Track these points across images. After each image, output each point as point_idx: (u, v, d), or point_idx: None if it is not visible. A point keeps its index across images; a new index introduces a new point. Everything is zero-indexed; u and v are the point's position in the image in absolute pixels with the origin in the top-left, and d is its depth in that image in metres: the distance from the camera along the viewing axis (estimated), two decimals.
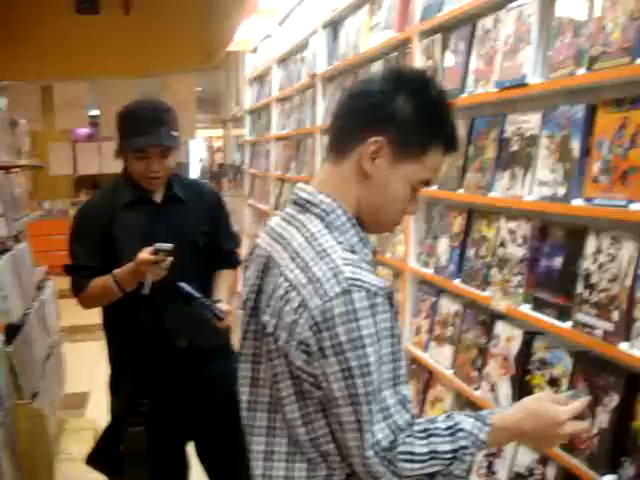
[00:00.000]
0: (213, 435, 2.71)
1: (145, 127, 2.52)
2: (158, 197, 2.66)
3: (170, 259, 2.46)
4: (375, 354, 1.36)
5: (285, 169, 5.64)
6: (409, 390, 1.45)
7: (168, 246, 2.44)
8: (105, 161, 9.98)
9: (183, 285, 2.56)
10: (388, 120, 1.46)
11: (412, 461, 1.39)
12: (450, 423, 1.44)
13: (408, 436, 1.39)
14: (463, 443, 1.41)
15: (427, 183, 1.54)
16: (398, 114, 1.46)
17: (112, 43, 9.45)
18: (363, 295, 1.35)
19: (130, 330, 2.61)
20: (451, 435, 1.42)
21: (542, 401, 1.49)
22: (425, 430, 1.42)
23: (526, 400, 1.51)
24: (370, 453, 1.36)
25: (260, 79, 7.12)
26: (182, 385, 2.64)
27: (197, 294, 2.58)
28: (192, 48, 9.85)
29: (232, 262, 2.92)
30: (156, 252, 2.43)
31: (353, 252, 1.45)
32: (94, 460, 2.76)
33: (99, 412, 4.10)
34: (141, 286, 2.48)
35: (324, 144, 4.52)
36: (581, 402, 1.48)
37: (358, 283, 1.36)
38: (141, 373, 2.61)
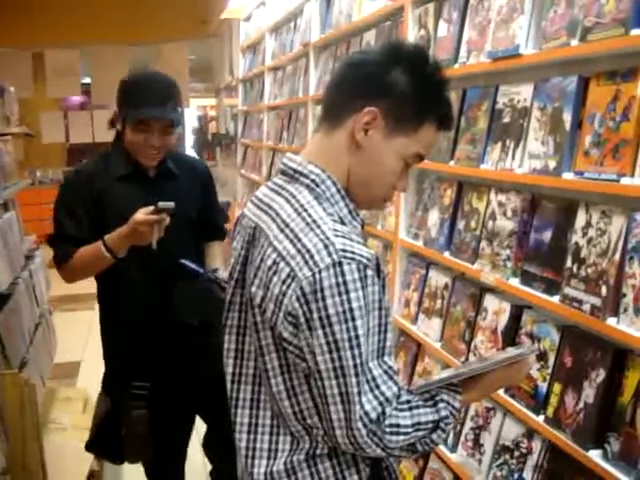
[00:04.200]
0: (221, 411, 2.69)
1: (151, 98, 2.45)
2: (151, 171, 2.60)
3: (168, 219, 2.40)
4: (364, 327, 1.34)
5: (277, 139, 5.61)
6: (394, 362, 1.44)
7: (170, 204, 2.38)
8: (98, 130, 9.88)
9: (186, 262, 2.55)
10: (384, 91, 1.45)
11: (398, 433, 1.39)
12: (427, 396, 1.47)
13: (394, 409, 1.39)
14: (444, 413, 1.45)
15: (420, 158, 1.52)
16: (394, 86, 1.44)
17: (105, 10, 9.32)
18: (354, 267, 1.33)
19: (127, 307, 2.57)
20: (433, 406, 1.45)
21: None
22: (407, 402, 1.43)
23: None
24: (359, 425, 1.36)
25: (253, 48, 7.06)
26: (186, 362, 2.61)
27: (200, 269, 2.57)
28: (186, 16, 9.72)
29: (222, 235, 2.93)
30: (158, 211, 2.38)
31: (343, 224, 1.43)
32: (94, 446, 2.75)
33: (90, 381, 4.11)
34: (133, 254, 2.46)
35: (317, 114, 4.49)
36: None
37: (349, 255, 1.34)
38: (140, 353, 2.58)
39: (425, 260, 2.96)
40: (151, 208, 2.38)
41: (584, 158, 1.91)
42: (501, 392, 2.22)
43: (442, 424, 1.44)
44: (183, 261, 2.54)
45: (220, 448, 2.76)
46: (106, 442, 2.67)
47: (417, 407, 1.43)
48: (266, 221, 1.49)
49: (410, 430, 1.40)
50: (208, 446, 2.90)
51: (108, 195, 2.52)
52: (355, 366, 1.35)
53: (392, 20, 3.27)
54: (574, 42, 1.96)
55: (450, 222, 2.68)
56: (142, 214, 2.37)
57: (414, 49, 1.54)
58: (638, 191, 1.70)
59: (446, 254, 2.67)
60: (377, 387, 1.37)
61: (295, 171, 1.50)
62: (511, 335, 2.27)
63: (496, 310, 2.37)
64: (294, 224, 1.41)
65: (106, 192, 2.52)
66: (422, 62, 1.48)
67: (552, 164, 2.04)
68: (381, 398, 1.37)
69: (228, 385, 1.59)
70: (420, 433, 1.42)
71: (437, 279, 2.83)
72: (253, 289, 1.46)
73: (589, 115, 1.91)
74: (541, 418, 2.06)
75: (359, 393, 1.35)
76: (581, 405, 1.89)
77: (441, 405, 1.45)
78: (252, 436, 1.54)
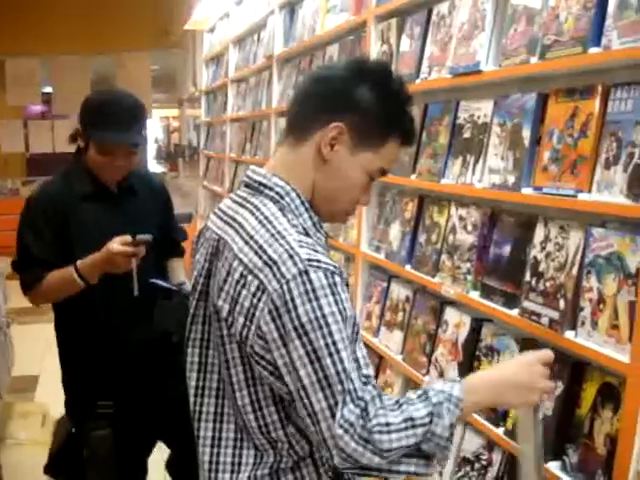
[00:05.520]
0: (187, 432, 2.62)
1: (118, 123, 2.42)
2: (114, 188, 2.58)
3: (144, 250, 2.40)
4: (340, 332, 1.32)
5: (240, 151, 5.60)
6: (371, 371, 1.40)
7: (148, 237, 2.39)
8: (58, 139, 9.78)
9: (157, 281, 2.53)
10: (350, 107, 1.47)
11: (389, 432, 1.31)
12: (419, 392, 1.39)
13: (380, 408, 1.33)
14: (435, 400, 1.35)
15: (383, 173, 1.55)
16: (360, 102, 1.46)
17: (67, 20, 9.24)
18: (321, 275, 1.33)
19: (87, 328, 2.52)
20: (424, 400, 1.36)
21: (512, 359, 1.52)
22: (397, 402, 1.36)
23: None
24: (339, 431, 1.30)
25: (216, 59, 7.05)
26: (152, 380, 2.57)
27: (172, 286, 2.55)
28: (148, 26, 9.68)
29: (181, 251, 2.93)
30: (136, 244, 2.37)
31: (307, 235, 1.44)
32: (53, 469, 2.67)
33: (48, 396, 4.05)
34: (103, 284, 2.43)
35: (279, 126, 4.50)
36: (548, 352, 1.50)
37: (315, 264, 1.34)
38: (103, 373, 2.53)
39: (387, 273, 2.97)
40: (128, 238, 2.37)
41: (543, 174, 1.94)
42: None
43: (436, 410, 1.34)
44: (154, 280, 2.53)
45: (186, 469, 2.71)
46: (66, 465, 2.60)
47: (407, 403, 1.36)
48: (230, 234, 1.49)
49: (402, 426, 1.32)
50: (173, 467, 2.85)
51: (73, 214, 2.48)
52: (338, 373, 1.31)
53: (355, 35, 3.30)
54: (533, 59, 1.99)
55: (411, 236, 2.70)
56: (118, 244, 2.35)
57: (379, 66, 1.57)
58: (595, 206, 1.73)
59: (407, 267, 2.68)
60: (356, 394, 1.32)
61: (260, 184, 1.50)
62: (471, 348, 2.29)
63: (456, 323, 2.39)
64: (258, 236, 1.41)
65: (71, 212, 2.48)
66: (387, 79, 1.51)
67: (511, 179, 2.07)
68: (360, 401, 1.32)
69: (191, 399, 1.58)
70: (419, 430, 1.33)
71: (398, 292, 2.85)
72: (220, 303, 1.45)
73: (548, 131, 1.94)
74: (501, 430, 2.07)
75: (344, 400, 1.31)
76: (540, 417, 1.91)
77: (431, 394, 1.37)
78: (215, 450, 1.53)
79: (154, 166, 16.46)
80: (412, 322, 2.68)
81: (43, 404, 4.47)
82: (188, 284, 2.59)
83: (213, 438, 1.53)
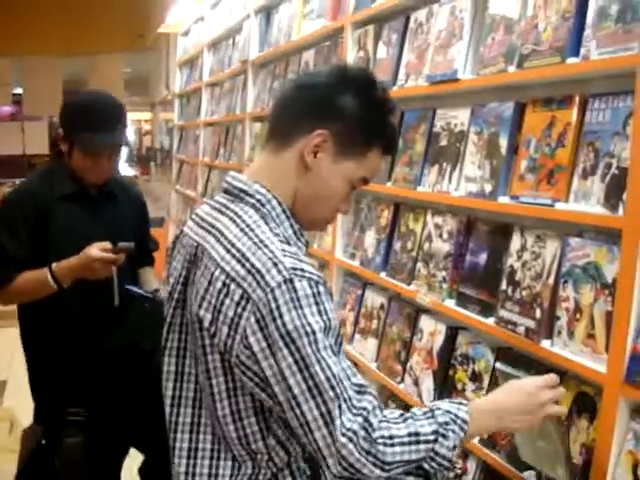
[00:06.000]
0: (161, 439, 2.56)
1: (101, 125, 2.41)
2: (93, 191, 2.56)
3: (124, 258, 2.40)
4: (323, 341, 1.31)
5: (214, 155, 5.57)
6: (361, 380, 1.39)
7: (130, 245, 2.38)
8: (29, 141, 9.68)
9: (133, 287, 2.51)
10: (335, 114, 1.46)
11: (392, 445, 1.32)
12: (425, 409, 1.40)
13: (383, 421, 1.33)
14: (441, 420, 1.37)
15: (365, 182, 1.54)
16: (345, 110, 1.46)
17: (39, 20, 9.15)
18: (305, 284, 1.32)
19: (61, 334, 2.48)
20: (430, 417, 1.37)
21: (515, 381, 1.53)
22: (401, 415, 1.37)
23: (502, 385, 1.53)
24: (343, 440, 1.29)
25: (191, 63, 7.02)
26: (124, 387, 2.54)
27: (148, 293, 2.53)
28: (122, 29, 9.62)
29: (152, 261, 2.92)
30: (117, 251, 2.36)
31: (288, 244, 1.42)
32: (24, 478, 2.62)
33: (17, 402, 3.98)
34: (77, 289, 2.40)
35: (254, 131, 4.48)
36: (552, 376, 1.50)
37: (299, 272, 1.33)
38: (75, 380, 2.50)
39: (361, 280, 2.96)
40: (107, 245, 2.35)
41: (520, 182, 1.94)
42: None
43: (441, 430, 1.35)
44: (129, 287, 2.50)
45: (160, 476, 2.68)
46: (37, 474, 2.55)
47: (412, 418, 1.37)
48: (210, 241, 1.46)
49: (406, 440, 1.33)
50: (146, 474, 2.81)
51: (51, 214, 2.45)
52: (328, 379, 1.30)
53: (331, 41, 3.29)
54: (511, 68, 1.99)
55: (387, 243, 2.69)
56: (97, 250, 2.33)
57: (363, 73, 1.56)
58: (572, 216, 1.73)
59: (382, 274, 2.68)
60: (352, 403, 1.32)
61: (241, 190, 1.48)
62: (446, 356, 2.28)
63: (432, 331, 2.38)
64: (240, 244, 1.39)
65: (49, 211, 2.45)
66: (371, 87, 1.50)
67: (488, 188, 2.07)
68: (361, 410, 1.32)
69: (167, 409, 1.54)
70: (422, 446, 1.34)
71: (373, 299, 2.84)
72: (201, 312, 1.42)
73: (525, 140, 1.95)
74: (476, 439, 2.07)
75: (339, 407, 1.30)
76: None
77: (438, 412, 1.38)
78: (192, 461, 1.50)
79: (125, 169, 16.36)
80: (387, 330, 2.68)
81: (10, 410, 4.39)
82: (162, 291, 2.57)
83: (189, 449, 1.50)
